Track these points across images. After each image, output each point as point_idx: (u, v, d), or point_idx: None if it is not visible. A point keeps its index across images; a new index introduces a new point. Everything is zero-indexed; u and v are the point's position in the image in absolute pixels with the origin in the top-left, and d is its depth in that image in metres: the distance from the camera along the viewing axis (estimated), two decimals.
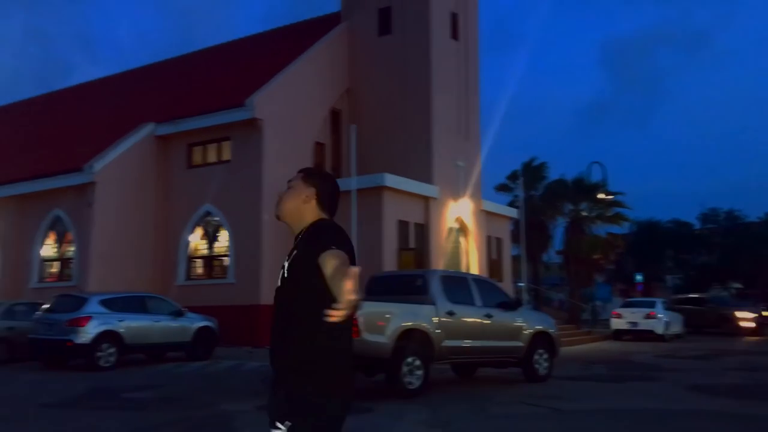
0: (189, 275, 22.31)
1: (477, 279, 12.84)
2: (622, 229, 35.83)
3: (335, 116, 25.05)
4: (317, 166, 3.15)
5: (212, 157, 22.53)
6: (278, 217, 2.86)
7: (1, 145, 29.16)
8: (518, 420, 8.52)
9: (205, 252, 22.31)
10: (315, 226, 2.76)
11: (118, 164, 21.64)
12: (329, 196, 2.89)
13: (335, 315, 2.12)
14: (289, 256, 2.73)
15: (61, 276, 22.83)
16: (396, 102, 24.23)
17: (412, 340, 10.47)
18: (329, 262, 2.40)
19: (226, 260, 21.51)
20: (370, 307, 10.32)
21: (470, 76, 26.22)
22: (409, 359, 10.25)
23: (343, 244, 2.60)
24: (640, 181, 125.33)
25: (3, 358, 15.83)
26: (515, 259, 29.88)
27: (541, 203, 33.82)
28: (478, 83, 26.93)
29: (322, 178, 2.92)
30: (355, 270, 2.18)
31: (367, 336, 9.85)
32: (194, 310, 17.53)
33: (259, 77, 22.43)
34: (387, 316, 10.27)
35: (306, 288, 2.58)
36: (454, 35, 25.55)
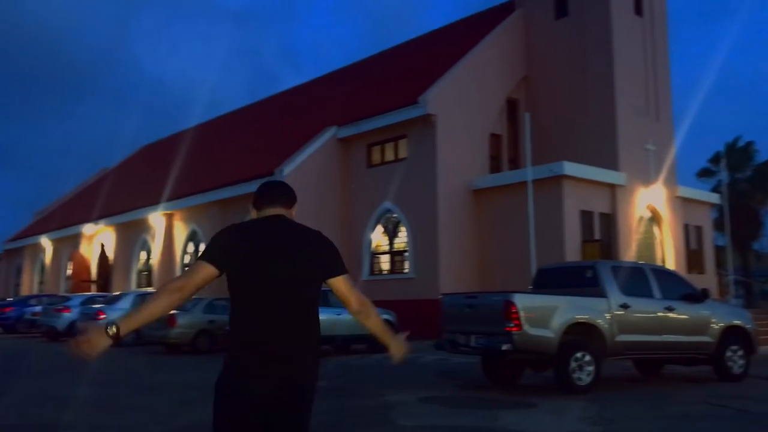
0: (372, 270, 23.01)
1: (656, 269, 11.85)
2: None
3: (512, 106, 24.57)
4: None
5: (390, 155, 23.07)
6: None
7: (208, 155, 32.09)
8: (694, 420, 7.74)
9: (386, 248, 22.90)
10: None
11: (305, 167, 22.86)
12: (257, 197, 3.08)
13: None
14: None
15: None
16: (576, 86, 23.26)
17: (580, 334, 9.93)
18: None
19: (406, 255, 21.91)
20: (532, 301, 9.94)
21: (658, 53, 24.46)
22: (578, 354, 9.72)
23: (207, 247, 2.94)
24: None
25: (205, 348, 17.37)
26: (719, 249, 27.37)
27: (749, 187, 30.66)
28: (667, 60, 25.06)
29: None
30: None
31: (529, 329, 9.49)
32: (379, 304, 17.90)
33: (433, 73, 22.60)
34: (552, 309, 9.82)
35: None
36: (638, 11, 23.97)
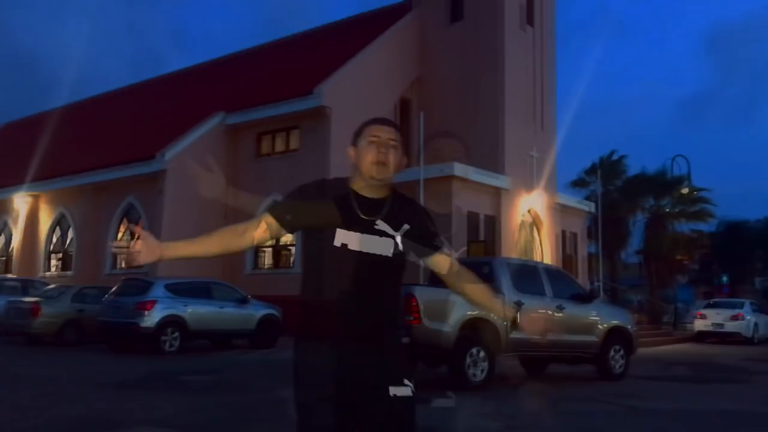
0: (256, 265, 22.30)
1: (548, 269, 12.12)
2: (708, 227, 33.96)
3: (405, 105, 24.63)
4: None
5: (280, 146, 22.48)
6: (379, 179, 2.52)
7: (81, 136, 30.05)
8: (589, 417, 7.85)
9: (272, 242, 22.25)
10: (409, 199, 2.68)
11: (189, 153, 21.76)
12: None
13: None
14: (388, 222, 2.51)
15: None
16: (467, 90, 23.61)
17: (476, 330, 9.90)
18: (450, 262, 2.68)
19: (292, 250, 21.39)
20: (432, 294, 9.81)
21: (546, 65, 25.33)
22: (474, 350, 9.68)
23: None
24: (735, 179, 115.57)
25: (73, 340, 16.06)
26: (591, 256, 28.72)
27: (620, 198, 32.44)
28: (554, 72, 26.02)
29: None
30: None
31: (428, 323, 9.34)
32: (260, 299, 17.37)
33: (329, 66, 22.23)
34: (450, 303, 9.72)
35: (404, 264, 2.59)
36: (529, 21, 24.71)
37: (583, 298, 11.45)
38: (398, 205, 2.57)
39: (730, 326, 23.19)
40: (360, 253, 2.44)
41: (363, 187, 2.54)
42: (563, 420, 7.68)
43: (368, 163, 2.50)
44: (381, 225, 2.49)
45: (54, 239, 26.47)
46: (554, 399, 9.15)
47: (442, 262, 2.64)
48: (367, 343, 2.44)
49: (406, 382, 2.47)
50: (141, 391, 9.30)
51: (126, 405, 7.99)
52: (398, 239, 2.50)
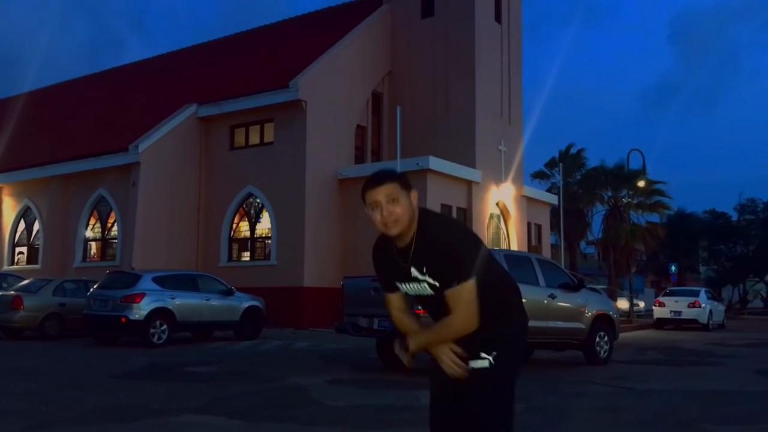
0: (231, 256, 22.36)
1: (540, 259, 12.63)
2: (660, 218, 35.33)
3: (376, 99, 24.94)
4: (393, 171, 2.92)
5: (255, 138, 22.54)
6: (395, 234, 2.69)
7: (48, 125, 29.41)
8: (596, 397, 8.37)
9: (247, 234, 22.34)
10: (429, 236, 2.69)
11: (162, 145, 21.72)
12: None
13: None
14: (416, 267, 2.69)
15: (104, 255, 23.02)
16: (438, 85, 24.05)
17: None
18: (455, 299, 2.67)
19: (268, 242, 21.53)
20: None
21: (513, 60, 25.96)
22: None
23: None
24: (692, 169, 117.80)
25: (55, 333, 15.98)
26: (553, 246, 29.60)
27: (580, 190, 33.46)
28: (520, 66, 26.69)
29: (406, 178, 2.84)
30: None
31: None
32: (240, 291, 17.50)
33: (302, 59, 22.38)
34: None
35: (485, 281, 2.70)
36: (498, 18, 25.28)
37: (572, 287, 12.00)
38: (420, 247, 2.69)
39: (688, 313, 24.33)
40: (415, 295, 2.82)
41: (397, 240, 2.74)
42: (575, 401, 8.18)
43: (380, 226, 2.69)
44: (414, 272, 2.72)
45: (18, 232, 25.94)
46: (555, 383, 9.66)
47: (450, 296, 2.64)
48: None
49: (483, 355, 2.73)
50: (155, 381, 9.45)
51: (151, 395, 8.15)
52: (429, 279, 2.69)
